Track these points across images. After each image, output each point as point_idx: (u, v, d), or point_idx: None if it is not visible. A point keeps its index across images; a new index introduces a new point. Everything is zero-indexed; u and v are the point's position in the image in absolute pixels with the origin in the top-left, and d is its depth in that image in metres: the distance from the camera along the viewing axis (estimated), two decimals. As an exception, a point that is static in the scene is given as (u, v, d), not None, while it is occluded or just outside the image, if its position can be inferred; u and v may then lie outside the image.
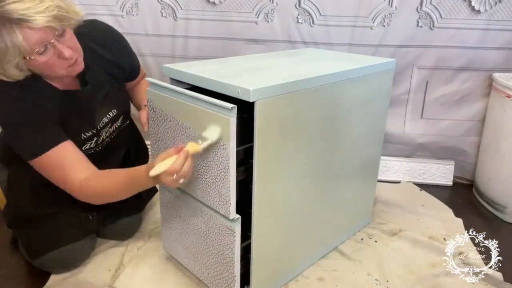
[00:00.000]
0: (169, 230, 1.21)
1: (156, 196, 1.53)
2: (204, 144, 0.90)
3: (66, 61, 0.99)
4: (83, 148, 1.16)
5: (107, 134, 1.22)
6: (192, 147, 0.91)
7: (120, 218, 1.33)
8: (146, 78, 1.10)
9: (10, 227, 1.31)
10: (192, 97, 0.94)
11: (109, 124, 1.21)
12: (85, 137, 1.15)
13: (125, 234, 1.37)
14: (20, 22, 0.88)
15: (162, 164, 0.90)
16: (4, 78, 0.97)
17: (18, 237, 1.28)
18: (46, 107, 1.04)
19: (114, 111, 1.21)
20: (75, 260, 1.22)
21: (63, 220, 1.19)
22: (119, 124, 1.25)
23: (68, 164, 1.05)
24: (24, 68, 0.97)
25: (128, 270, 1.22)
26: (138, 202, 1.42)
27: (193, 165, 0.95)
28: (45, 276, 1.19)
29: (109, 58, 1.19)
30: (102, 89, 1.17)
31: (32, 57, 0.94)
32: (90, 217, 1.25)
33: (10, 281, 1.19)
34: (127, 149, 1.33)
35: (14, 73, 0.96)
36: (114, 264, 1.25)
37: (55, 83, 1.07)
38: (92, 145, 1.18)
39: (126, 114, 1.28)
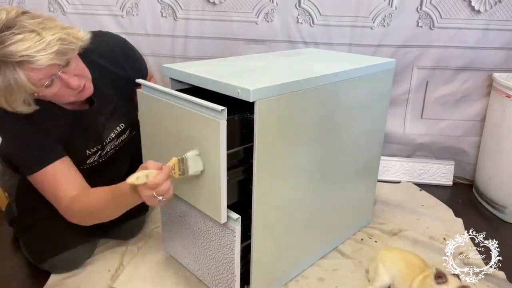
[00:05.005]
0: (169, 230, 1.21)
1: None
2: (182, 172, 0.90)
3: (74, 89, 0.98)
4: (86, 162, 1.17)
5: (112, 147, 1.22)
6: (174, 169, 0.90)
7: (126, 221, 1.33)
8: (137, 80, 1.07)
9: (11, 225, 1.31)
10: (182, 99, 0.93)
11: (116, 138, 1.21)
12: (90, 153, 1.16)
13: (129, 235, 1.37)
14: (22, 64, 0.85)
15: (142, 176, 0.87)
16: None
17: (22, 240, 1.27)
18: (48, 125, 1.04)
19: (122, 125, 1.21)
20: (77, 262, 1.23)
21: (66, 224, 1.19)
22: (125, 136, 1.25)
23: (61, 182, 1.04)
24: (32, 103, 0.95)
25: (128, 270, 1.22)
26: (144, 204, 1.42)
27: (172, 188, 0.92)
28: (45, 276, 1.19)
29: (119, 74, 1.17)
30: (109, 104, 1.16)
31: (40, 93, 0.93)
32: None
33: (11, 281, 1.19)
34: (133, 154, 1.33)
35: (23, 109, 0.95)
36: (114, 264, 1.25)
37: (63, 105, 1.07)
38: (95, 159, 1.19)
39: (134, 126, 1.27)
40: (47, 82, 0.91)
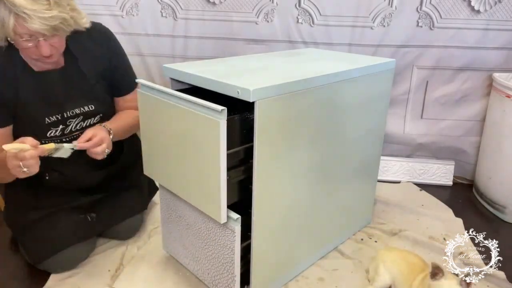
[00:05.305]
0: (169, 230, 1.21)
1: (156, 196, 1.53)
2: (51, 154, 1.04)
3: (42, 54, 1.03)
4: (47, 135, 1.15)
5: (78, 128, 1.20)
6: (48, 146, 1.03)
7: (123, 220, 1.33)
8: (137, 80, 1.08)
9: (9, 227, 1.31)
10: (182, 99, 0.94)
11: (81, 117, 1.19)
12: (49, 121, 1.14)
13: (128, 234, 1.36)
14: (18, 16, 0.92)
15: (17, 146, 0.96)
16: None
17: (19, 241, 1.27)
18: (3, 86, 1.07)
19: (92, 107, 1.20)
20: (74, 262, 1.23)
21: (61, 223, 1.18)
22: (95, 121, 1.23)
23: None
24: (2, 40, 1.01)
25: (128, 270, 1.22)
26: (141, 201, 1.42)
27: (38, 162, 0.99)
28: (45, 276, 1.19)
29: (103, 60, 1.20)
30: (85, 81, 1.17)
31: (13, 40, 0.99)
32: (89, 219, 1.25)
33: (10, 281, 1.19)
34: (117, 152, 1.31)
35: None
36: (114, 264, 1.25)
37: (31, 64, 1.10)
38: (57, 133, 1.16)
39: (107, 115, 1.25)
40: (25, 38, 0.97)
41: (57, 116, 1.15)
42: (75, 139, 1.19)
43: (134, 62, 1.36)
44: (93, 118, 1.22)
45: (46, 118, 1.13)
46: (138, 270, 1.22)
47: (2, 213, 1.44)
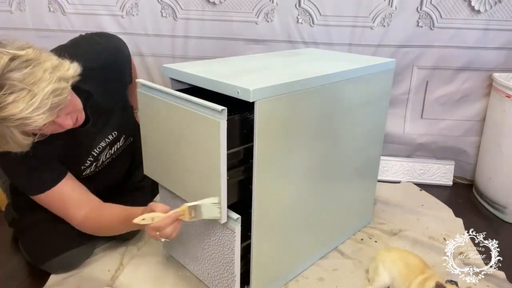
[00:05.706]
0: (169, 230, 1.21)
1: (157, 196, 1.53)
2: (194, 216, 0.94)
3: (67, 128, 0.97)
4: (83, 174, 1.17)
5: (107, 156, 1.22)
6: (184, 214, 0.94)
7: None
8: (137, 80, 1.07)
9: (11, 226, 1.31)
10: (182, 99, 0.93)
11: (108, 147, 1.20)
12: (85, 167, 1.16)
13: (129, 235, 1.36)
14: (18, 126, 0.83)
15: (148, 218, 0.94)
16: None
17: (21, 241, 1.27)
18: (44, 147, 1.02)
19: (114, 134, 1.20)
20: (76, 263, 1.22)
21: (65, 225, 1.18)
22: (120, 144, 1.24)
23: (68, 201, 1.09)
24: (26, 146, 0.92)
25: (128, 270, 1.22)
26: (144, 203, 1.42)
27: (179, 231, 0.97)
28: (45, 276, 1.19)
29: (112, 78, 1.16)
30: (103, 115, 1.14)
31: (35, 139, 0.91)
32: None
33: (10, 281, 1.19)
34: (132, 160, 1.34)
35: (17, 150, 0.92)
36: (114, 264, 1.25)
37: None
38: (91, 170, 1.19)
39: (130, 133, 1.26)
40: (41, 129, 0.89)
41: (89, 159, 1.16)
42: (108, 164, 1.23)
43: (134, 62, 1.36)
44: (118, 142, 1.23)
45: (82, 166, 1.16)
46: (138, 270, 1.22)
47: (2, 213, 1.44)
